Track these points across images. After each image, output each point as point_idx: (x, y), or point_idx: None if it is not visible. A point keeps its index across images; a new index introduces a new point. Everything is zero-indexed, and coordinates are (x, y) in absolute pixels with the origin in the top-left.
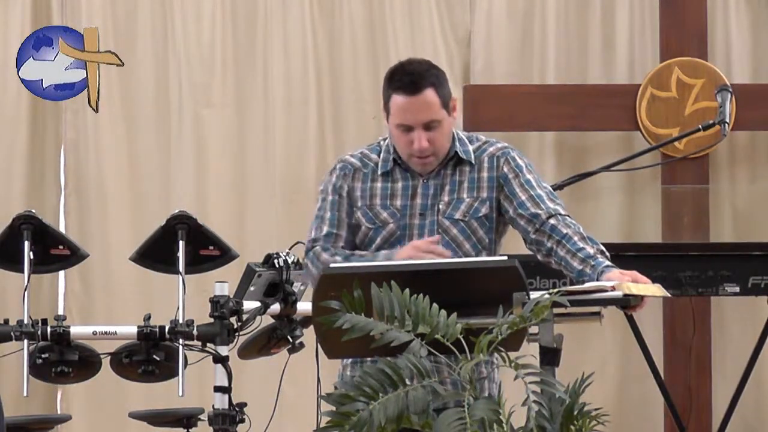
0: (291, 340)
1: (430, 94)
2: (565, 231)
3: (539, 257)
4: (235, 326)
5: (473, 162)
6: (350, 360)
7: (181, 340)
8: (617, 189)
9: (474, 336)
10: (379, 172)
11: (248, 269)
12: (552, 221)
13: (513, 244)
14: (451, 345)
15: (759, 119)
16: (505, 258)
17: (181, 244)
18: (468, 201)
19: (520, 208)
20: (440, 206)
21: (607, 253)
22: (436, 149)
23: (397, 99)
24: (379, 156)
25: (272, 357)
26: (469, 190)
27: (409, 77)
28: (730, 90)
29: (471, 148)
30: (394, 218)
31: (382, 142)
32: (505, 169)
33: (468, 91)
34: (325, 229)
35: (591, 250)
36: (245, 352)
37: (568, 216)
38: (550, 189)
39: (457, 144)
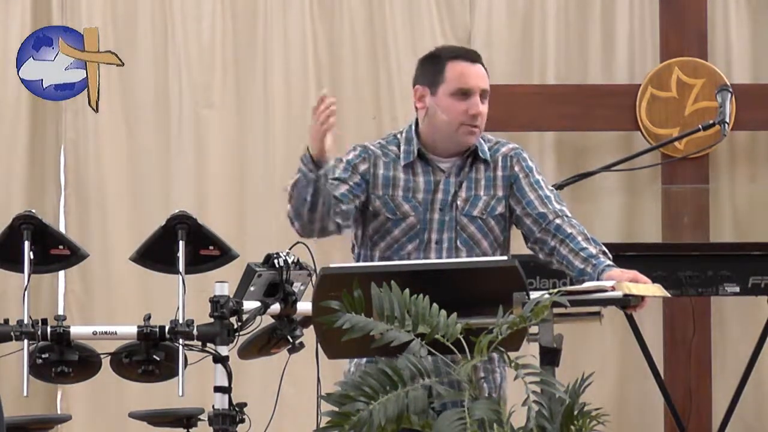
0: (291, 340)
1: (483, 68)
2: (569, 231)
3: (541, 256)
4: (235, 326)
5: (489, 160)
6: (365, 360)
7: (181, 340)
8: (617, 189)
9: (474, 336)
10: (402, 163)
11: (248, 269)
12: (558, 221)
13: (513, 244)
14: (451, 345)
15: (759, 119)
16: (505, 258)
17: (181, 244)
18: (485, 199)
19: (528, 207)
20: (458, 203)
21: (610, 255)
22: (483, 123)
23: (458, 65)
24: (398, 148)
25: (272, 357)
26: (486, 188)
27: (465, 49)
28: (730, 90)
29: (486, 147)
30: (415, 211)
31: (399, 135)
32: (516, 169)
33: None
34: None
35: (593, 250)
36: (245, 352)
37: (573, 218)
38: (557, 192)
39: (476, 145)
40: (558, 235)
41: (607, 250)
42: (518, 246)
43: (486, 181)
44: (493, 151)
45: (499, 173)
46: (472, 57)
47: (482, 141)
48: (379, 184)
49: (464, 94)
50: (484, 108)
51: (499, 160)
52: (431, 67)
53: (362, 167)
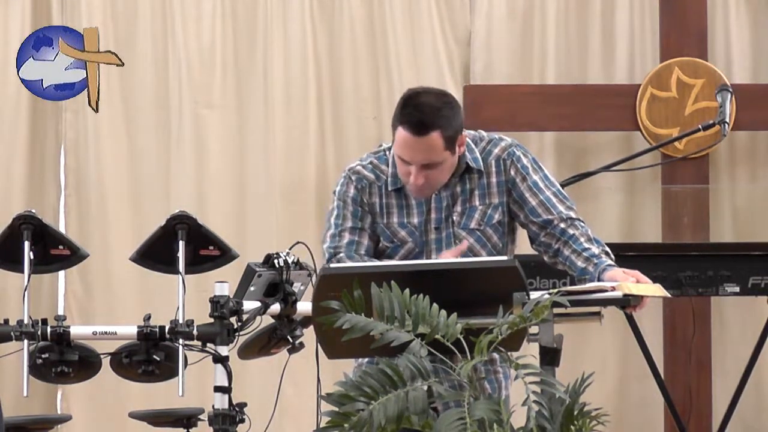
0: (291, 340)
1: (434, 137)
2: (572, 232)
3: (546, 258)
4: (235, 326)
5: (482, 169)
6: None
7: (181, 340)
8: (617, 189)
9: (474, 336)
10: (390, 189)
11: (248, 269)
12: (562, 225)
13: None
14: (451, 345)
15: (759, 119)
16: (506, 258)
17: (181, 244)
18: (481, 209)
19: (532, 214)
20: (454, 217)
21: (612, 255)
22: (432, 183)
23: (402, 133)
24: (387, 166)
25: (272, 357)
26: (480, 198)
27: (419, 116)
28: (730, 90)
29: (477, 151)
30: (412, 237)
31: (387, 152)
32: (512, 172)
33: (468, 92)
34: (347, 237)
35: (595, 250)
36: (245, 352)
37: (579, 219)
38: (558, 187)
39: (467, 153)
40: (561, 238)
41: (609, 251)
42: (518, 246)
43: (480, 189)
44: (486, 154)
45: (494, 179)
46: (420, 128)
47: (473, 147)
48: (376, 212)
49: (405, 162)
50: (432, 173)
51: (492, 164)
52: (394, 117)
53: (364, 200)
